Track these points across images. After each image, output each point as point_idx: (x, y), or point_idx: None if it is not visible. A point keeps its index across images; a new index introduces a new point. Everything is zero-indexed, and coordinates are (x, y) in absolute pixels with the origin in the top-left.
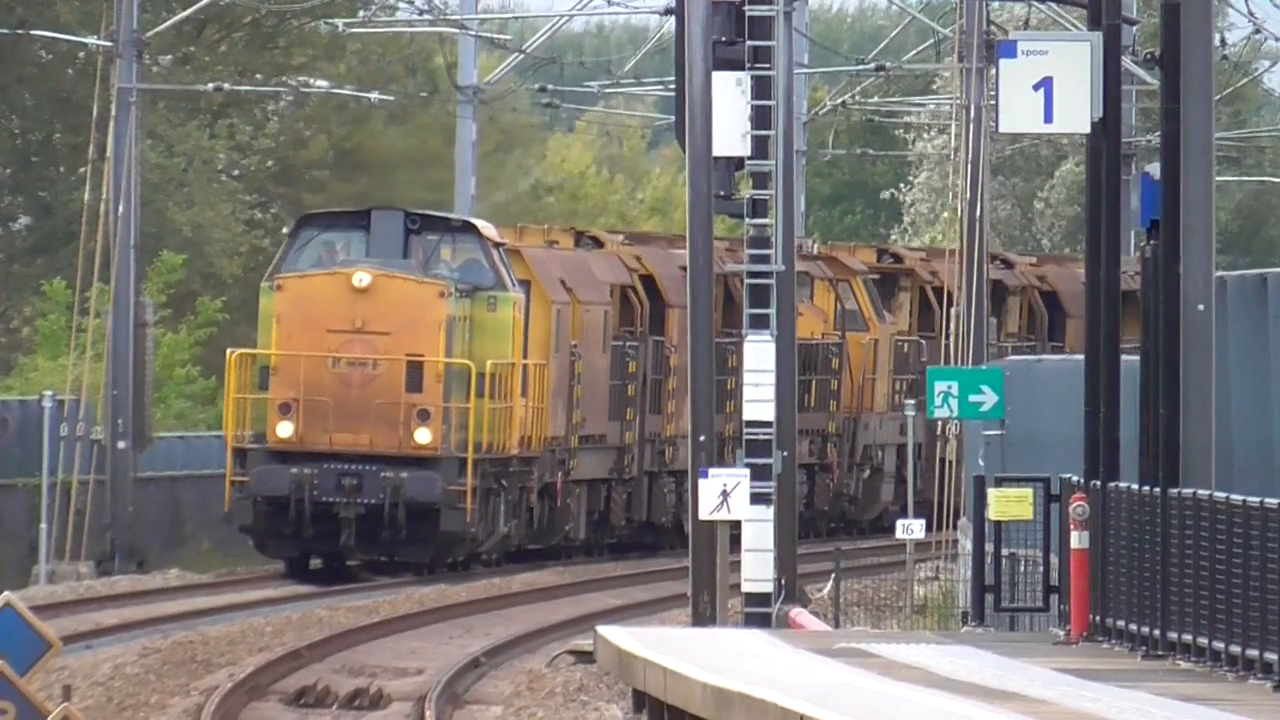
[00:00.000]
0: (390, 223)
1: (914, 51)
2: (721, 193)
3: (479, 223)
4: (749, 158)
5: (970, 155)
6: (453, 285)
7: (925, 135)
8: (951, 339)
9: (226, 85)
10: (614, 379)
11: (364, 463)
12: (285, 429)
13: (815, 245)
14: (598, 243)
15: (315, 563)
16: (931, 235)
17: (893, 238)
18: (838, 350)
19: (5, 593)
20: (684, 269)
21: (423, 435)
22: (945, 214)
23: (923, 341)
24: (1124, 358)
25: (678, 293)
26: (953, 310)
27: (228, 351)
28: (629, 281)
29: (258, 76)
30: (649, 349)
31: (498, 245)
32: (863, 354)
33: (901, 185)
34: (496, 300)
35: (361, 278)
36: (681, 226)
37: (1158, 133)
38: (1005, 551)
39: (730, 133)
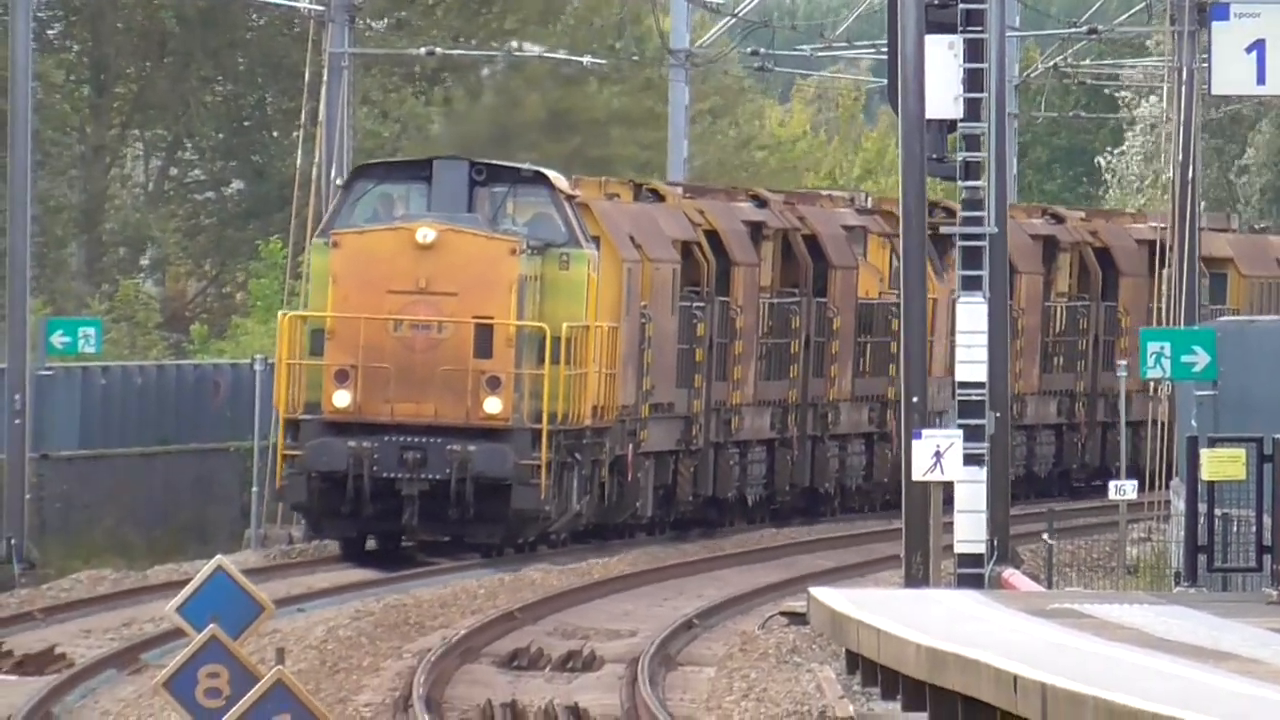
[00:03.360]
0: (454, 173)
1: (1126, 15)
2: (934, 155)
3: (551, 173)
4: (961, 120)
5: (1182, 118)
6: (524, 241)
7: (1136, 101)
8: (1164, 301)
9: (439, 50)
10: (681, 343)
11: (428, 435)
12: (342, 398)
13: (869, 199)
14: (658, 196)
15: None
16: (1137, 202)
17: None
18: (897, 310)
19: (217, 556)
20: (746, 224)
21: (492, 405)
22: (1150, 179)
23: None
24: None
25: (742, 249)
26: (1164, 272)
27: (279, 314)
28: (694, 237)
29: (471, 42)
30: (715, 310)
31: (570, 198)
32: None
33: (1109, 150)
34: (569, 258)
35: (426, 233)
36: (893, 190)
37: None
38: (1218, 512)
39: (942, 96)
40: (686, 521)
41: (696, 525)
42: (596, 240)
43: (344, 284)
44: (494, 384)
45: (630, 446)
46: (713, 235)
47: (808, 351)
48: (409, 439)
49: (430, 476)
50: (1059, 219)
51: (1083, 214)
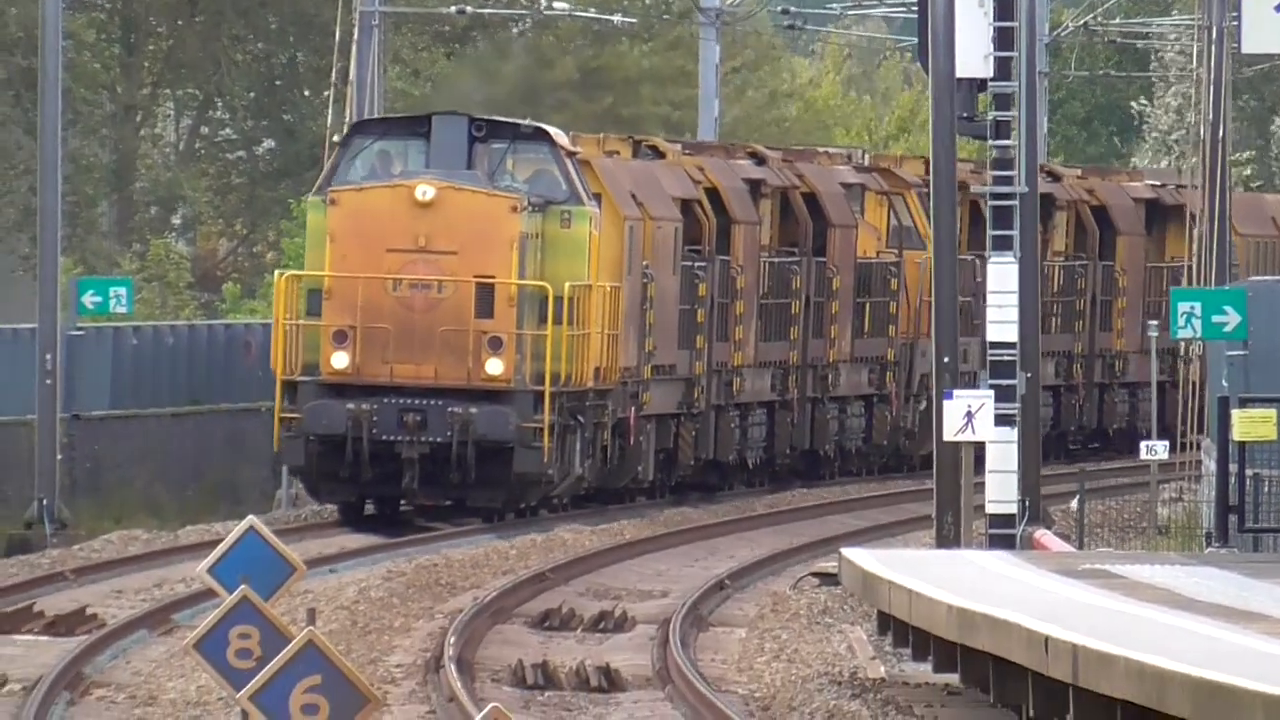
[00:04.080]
0: (453, 129)
1: None
2: (964, 114)
3: (552, 130)
4: (991, 79)
5: (1212, 76)
6: (525, 198)
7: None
8: (1195, 260)
9: (469, 8)
10: (683, 303)
11: (428, 397)
12: (340, 359)
13: (865, 156)
14: (657, 153)
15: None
16: (1171, 159)
17: (1134, 162)
18: (896, 270)
19: (249, 516)
20: (746, 182)
21: (494, 366)
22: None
23: (977, 260)
24: None
25: (743, 208)
26: (1195, 231)
27: (275, 273)
28: (695, 195)
29: (501, 0)
30: (716, 270)
31: (571, 154)
32: (919, 274)
33: (1141, 100)
34: (571, 215)
35: (425, 190)
36: (925, 148)
37: None
38: (1249, 472)
39: (973, 54)
40: (686, 485)
41: (695, 490)
42: (598, 198)
43: (342, 243)
44: (495, 345)
45: (632, 409)
46: (713, 193)
47: (808, 312)
48: (409, 401)
49: (430, 439)
50: (1055, 176)
51: (1079, 171)
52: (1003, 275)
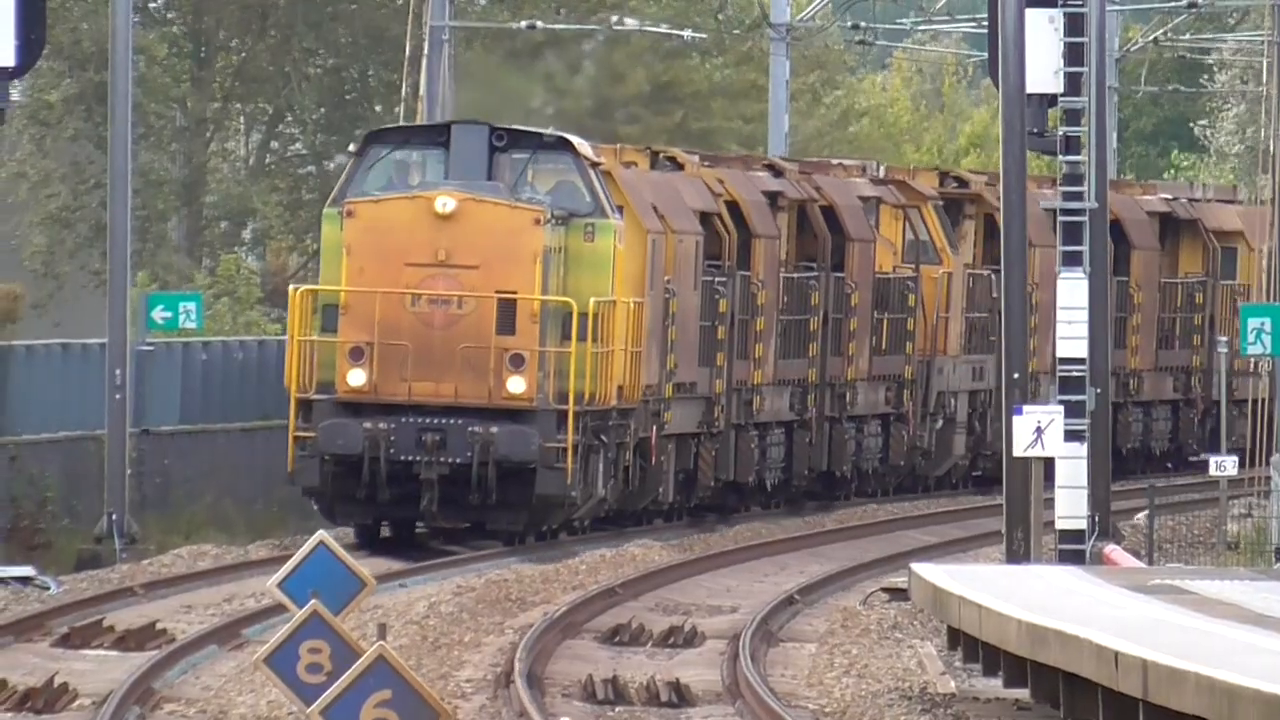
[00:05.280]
0: (473, 139)
1: None
2: (1034, 129)
3: (575, 139)
4: (1061, 94)
5: None
6: (548, 211)
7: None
8: (1265, 276)
9: (540, 23)
10: (704, 319)
11: (448, 416)
12: (357, 377)
13: (881, 168)
14: (675, 164)
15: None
16: (1228, 176)
17: (1199, 177)
18: (913, 285)
19: (319, 531)
20: (768, 195)
21: (516, 384)
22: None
23: (992, 276)
24: None
25: (763, 221)
26: (1265, 246)
27: (290, 287)
28: (715, 208)
29: (572, 15)
30: (736, 285)
31: (595, 165)
32: (935, 289)
33: (1202, 122)
34: (595, 228)
35: (446, 202)
36: (999, 164)
37: None
38: None
39: (1043, 69)
40: (704, 507)
41: (713, 511)
42: (620, 210)
43: (358, 256)
44: (517, 362)
45: (654, 429)
46: (733, 206)
47: (825, 329)
48: (428, 420)
49: (450, 460)
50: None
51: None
52: (1072, 291)
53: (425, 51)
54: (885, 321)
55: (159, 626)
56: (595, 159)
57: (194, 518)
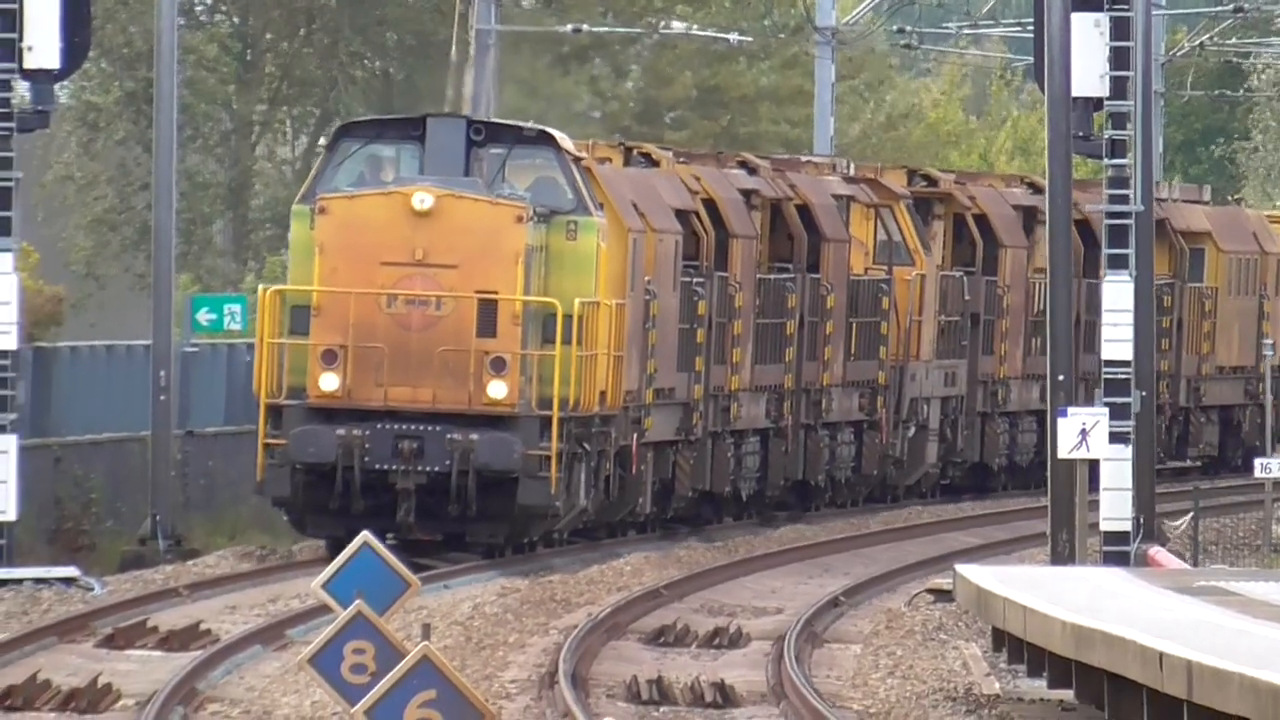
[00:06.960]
0: (450, 132)
1: None
2: (1080, 133)
3: (556, 133)
4: (1107, 98)
5: None
6: (530, 208)
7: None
8: None
9: (586, 26)
10: (683, 322)
11: (426, 422)
12: (329, 381)
13: (851, 166)
14: (650, 160)
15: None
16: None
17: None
18: (886, 288)
19: (364, 532)
20: (743, 193)
21: (497, 389)
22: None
23: (964, 278)
24: None
25: (740, 221)
26: None
27: (260, 288)
28: (693, 206)
29: (618, 19)
30: (714, 287)
31: (577, 160)
32: (908, 292)
33: (1239, 138)
34: (577, 226)
35: (423, 198)
36: (1043, 168)
37: None
38: None
39: (1089, 74)
40: (678, 519)
41: (685, 524)
42: (601, 208)
43: (331, 255)
44: (499, 366)
45: (634, 436)
46: (710, 204)
47: (801, 333)
48: (404, 427)
49: (428, 469)
50: (1039, 189)
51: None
52: (1118, 294)
53: (471, 55)
54: (858, 325)
55: (203, 627)
56: (577, 154)
57: (238, 519)
